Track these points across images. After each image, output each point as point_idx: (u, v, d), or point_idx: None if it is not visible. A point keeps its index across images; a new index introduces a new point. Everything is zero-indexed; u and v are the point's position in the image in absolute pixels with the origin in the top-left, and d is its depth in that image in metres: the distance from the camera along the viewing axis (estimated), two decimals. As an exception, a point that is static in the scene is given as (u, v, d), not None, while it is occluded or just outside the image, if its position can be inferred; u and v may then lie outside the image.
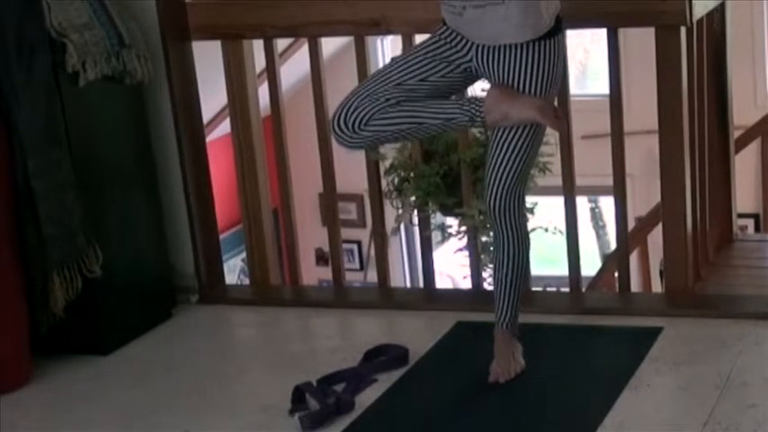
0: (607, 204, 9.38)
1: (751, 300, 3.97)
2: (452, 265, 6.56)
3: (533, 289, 4.22)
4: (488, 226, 4.04)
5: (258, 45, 4.21)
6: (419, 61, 3.29)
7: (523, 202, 3.35)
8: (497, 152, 3.25)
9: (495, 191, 3.27)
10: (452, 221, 4.69)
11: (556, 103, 3.44)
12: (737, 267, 4.66)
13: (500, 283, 3.37)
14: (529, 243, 3.40)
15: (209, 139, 4.60)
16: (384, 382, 3.47)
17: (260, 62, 4.27)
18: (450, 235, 4.75)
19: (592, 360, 3.52)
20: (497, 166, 3.25)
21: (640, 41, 4.35)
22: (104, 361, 3.85)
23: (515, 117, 3.17)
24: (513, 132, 3.22)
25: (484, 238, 4.30)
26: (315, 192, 6.83)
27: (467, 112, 3.20)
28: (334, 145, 4.21)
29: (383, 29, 4.04)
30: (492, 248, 3.48)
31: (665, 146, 3.82)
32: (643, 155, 5.49)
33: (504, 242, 3.33)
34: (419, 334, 3.79)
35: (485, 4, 3.15)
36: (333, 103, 4.21)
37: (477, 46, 3.23)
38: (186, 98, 4.21)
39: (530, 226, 3.54)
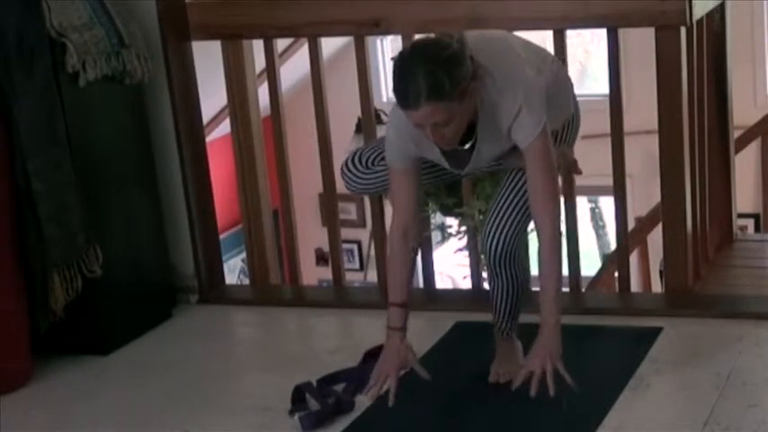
0: (607, 204, 9.36)
1: (751, 300, 3.98)
2: (452, 265, 6.55)
3: (533, 289, 4.21)
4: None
5: (258, 45, 4.21)
6: None
7: (525, 248, 3.30)
8: (504, 196, 3.22)
9: (496, 236, 3.21)
10: (452, 221, 4.68)
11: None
12: (737, 267, 4.66)
13: (496, 302, 3.34)
14: (529, 275, 3.35)
15: (209, 139, 4.60)
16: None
17: (260, 62, 4.27)
18: (450, 235, 4.74)
19: (592, 360, 3.51)
20: (502, 209, 3.21)
21: (640, 41, 4.34)
22: (104, 361, 3.86)
23: None
24: (524, 177, 3.16)
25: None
26: (315, 192, 6.82)
27: None
28: (334, 145, 4.23)
29: (383, 29, 4.04)
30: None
31: (665, 146, 3.82)
32: (643, 155, 5.48)
33: (500, 285, 3.29)
34: (419, 334, 3.78)
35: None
36: (333, 103, 4.23)
37: None
38: (186, 98, 4.21)
39: (530, 226, 3.52)
